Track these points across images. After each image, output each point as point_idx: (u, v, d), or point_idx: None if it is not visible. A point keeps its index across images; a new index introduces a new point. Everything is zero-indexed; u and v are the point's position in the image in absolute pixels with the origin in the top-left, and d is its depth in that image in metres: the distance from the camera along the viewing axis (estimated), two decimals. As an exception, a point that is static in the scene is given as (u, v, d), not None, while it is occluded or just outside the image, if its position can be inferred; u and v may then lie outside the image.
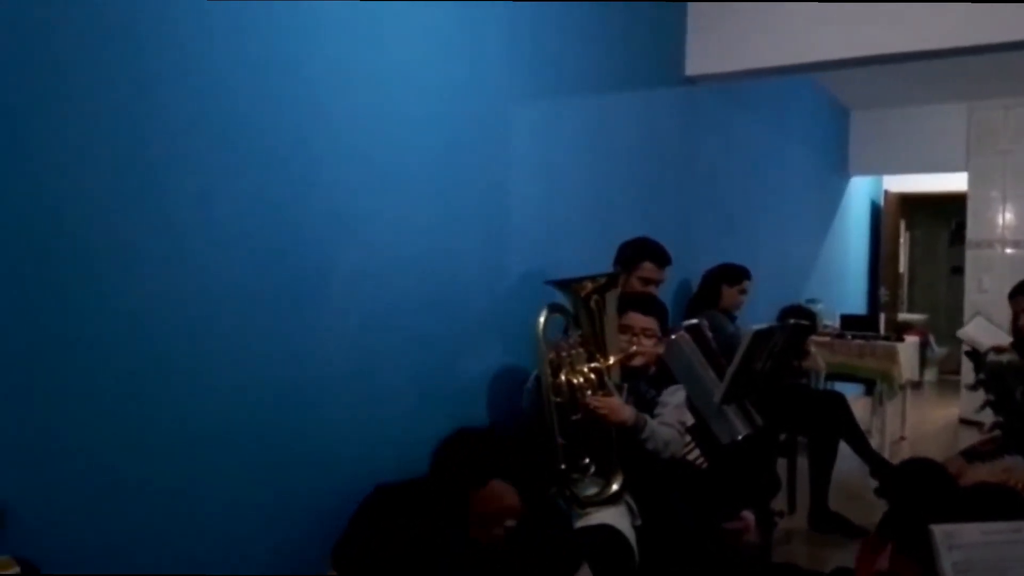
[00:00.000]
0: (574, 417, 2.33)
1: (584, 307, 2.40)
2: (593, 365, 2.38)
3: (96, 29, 1.64)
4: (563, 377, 2.33)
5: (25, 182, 1.54)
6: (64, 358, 1.60)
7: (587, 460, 2.36)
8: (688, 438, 2.72)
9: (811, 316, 4.24)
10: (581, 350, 2.38)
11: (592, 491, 2.34)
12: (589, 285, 2.38)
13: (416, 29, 2.45)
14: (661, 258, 3.20)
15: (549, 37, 3.11)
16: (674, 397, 2.68)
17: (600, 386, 2.37)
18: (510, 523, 1.99)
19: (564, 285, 2.43)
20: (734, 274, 4.09)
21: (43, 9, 1.55)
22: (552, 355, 2.34)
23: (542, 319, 2.29)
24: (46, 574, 1.38)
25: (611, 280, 2.43)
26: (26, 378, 1.54)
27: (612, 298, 2.42)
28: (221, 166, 1.90)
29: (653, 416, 2.61)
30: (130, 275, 1.71)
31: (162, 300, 1.77)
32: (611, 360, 2.41)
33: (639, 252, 3.17)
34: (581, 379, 2.34)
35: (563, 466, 2.28)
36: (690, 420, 2.76)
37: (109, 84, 1.66)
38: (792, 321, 3.21)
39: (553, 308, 2.38)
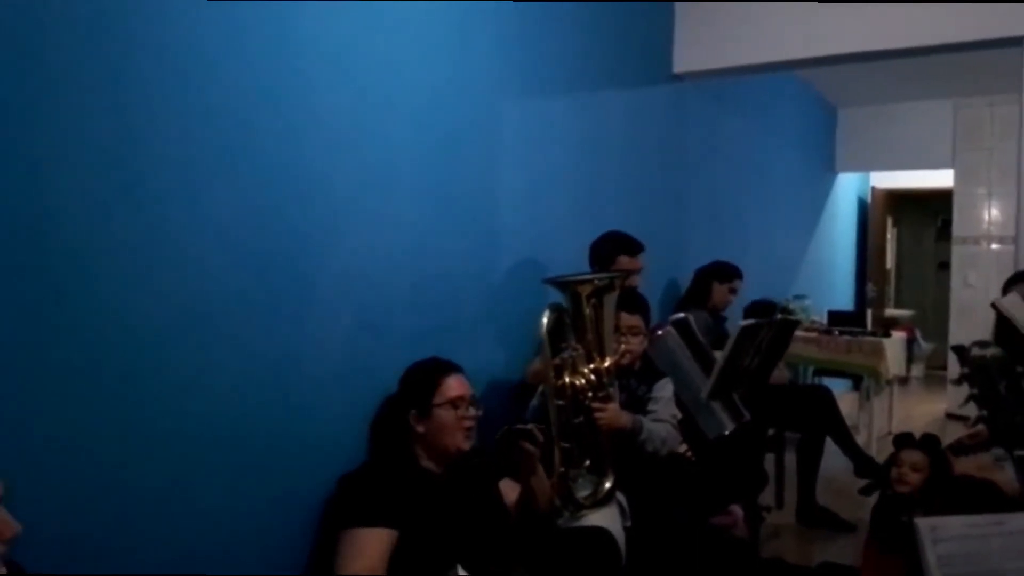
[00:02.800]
0: (577, 420, 2.31)
1: (583, 308, 2.36)
2: (592, 366, 2.36)
3: (89, 28, 1.63)
4: (566, 379, 2.30)
5: (16, 182, 1.53)
6: (54, 358, 1.60)
7: (588, 462, 2.34)
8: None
9: (775, 309, 4.24)
10: (581, 351, 2.35)
11: (586, 491, 2.33)
12: (590, 286, 2.33)
13: (405, 28, 2.45)
14: (633, 248, 3.20)
15: (537, 35, 3.12)
16: (665, 391, 2.70)
17: (599, 387, 2.36)
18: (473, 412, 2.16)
19: (563, 285, 2.39)
20: (726, 272, 4.11)
21: (37, 8, 1.55)
22: (555, 357, 2.30)
23: (545, 320, 2.24)
24: (32, 574, 1.38)
25: (612, 281, 2.39)
26: (16, 378, 1.54)
27: (611, 300, 2.38)
28: (211, 165, 1.89)
29: (646, 412, 2.63)
30: (121, 274, 1.71)
31: (152, 298, 1.77)
32: (608, 361, 2.39)
33: (611, 248, 3.18)
34: (583, 381, 2.31)
35: (563, 469, 2.25)
36: (679, 414, 2.77)
37: (100, 83, 1.66)
38: (780, 316, 3.22)
39: (554, 308, 2.33)
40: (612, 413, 2.39)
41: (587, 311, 2.34)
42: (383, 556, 1.92)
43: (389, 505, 1.97)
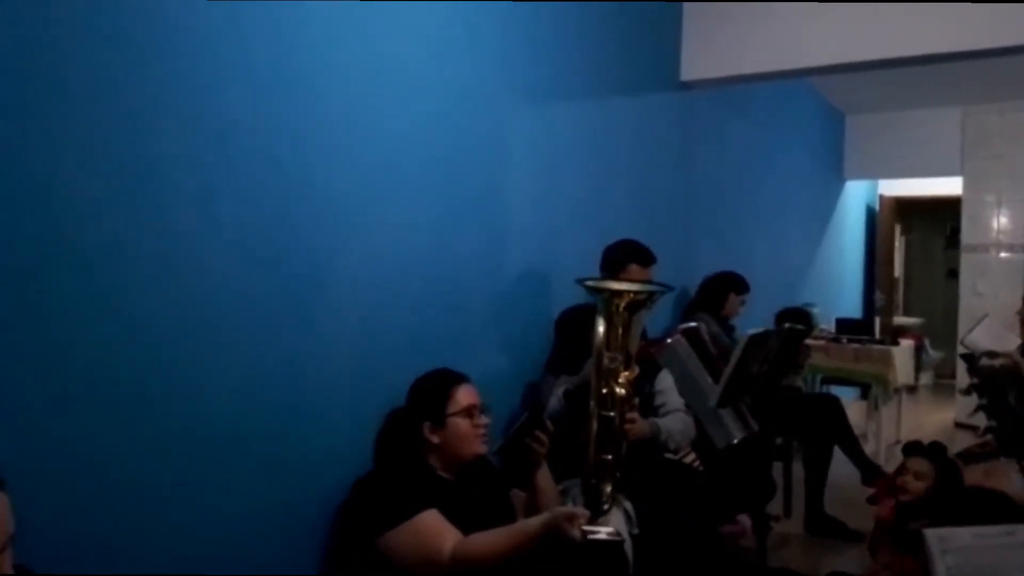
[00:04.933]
0: (618, 431, 2.26)
1: (618, 317, 2.30)
2: (626, 376, 2.31)
3: (94, 30, 1.64)
4: (618, 390, 2.21)
5: (24, 184, 1.54)
6: (61, 358, 1.61)
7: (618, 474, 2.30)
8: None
9: (808, 317, 4.26)
10: (620, 360, 2.31)
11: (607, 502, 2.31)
12: (628, 296, 2.22)
13: (413, 32, 2.46)
14: (645, 259, 3.20)
15: (546, 41, 3.13)
16: (665, 382, 2.73)
17: (629, 398, 2.33)
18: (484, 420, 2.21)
19: (600, 291, 2.26)
20: (742, 284, 4.12)
21: (42, 9, 1.56)
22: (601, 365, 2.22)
23: (602, 329, 2.17)
24: (40, 574, 1.38)
25: (650, 295, 2.28)
26: (23, 378, 1.55)
27: (643, 313, 2.32)
28: (220, 168, 1.90)
29: (655, 407, 2.62)
30: (128, 276, 1.72)
31: (160, 301, 1.78)
32: (632, 372, 2.35)
33: (623, 256, 3.17)
34: (623, 391, 2.24)
35: (594, 480, 2.22)
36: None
37: (107, 85, 1.67)
38: (787, 325, 3.21)
39: (604, 316, 2.24)
40: (640, 423, 2.39)
41: (619, 321, 2.28)
42: (452, 527, 1.97)
43: (423, 495, 2.02)
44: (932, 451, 2.58)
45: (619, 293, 2.20)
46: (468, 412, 2.17)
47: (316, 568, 2.17)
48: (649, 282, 2.86)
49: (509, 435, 2.21)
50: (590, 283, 2.26)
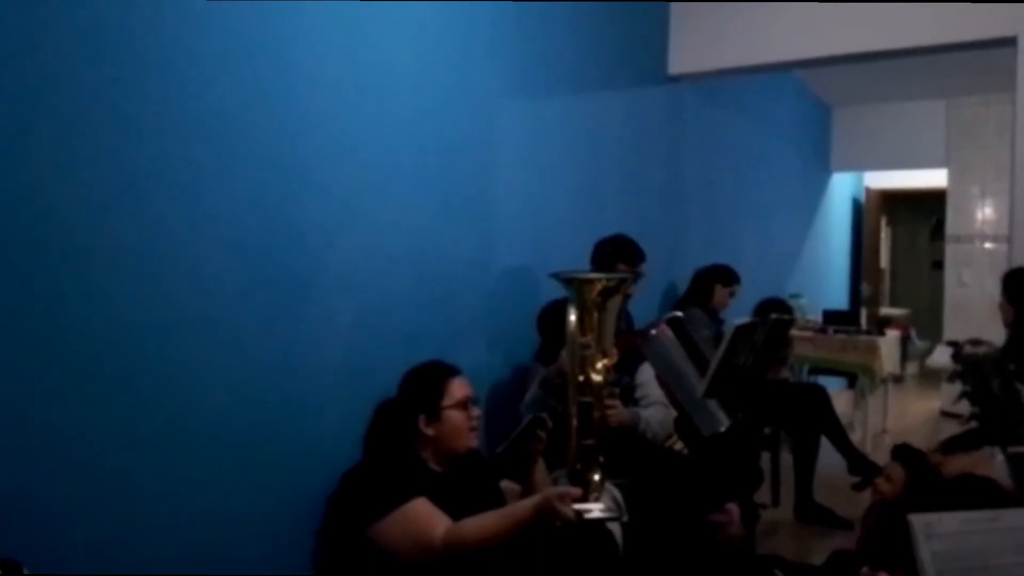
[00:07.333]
0: (597, 415, 2.30)
1: (591, 305, 2.34)
2: (603, 363, 2.34)
3: (88, 28, 1.64)
4: (594, 376, 2.22)
5: (16, 182, 1.54)
6: (52, 357, 1.61)
7: (601, 459, 2.33)
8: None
9: (788, 308, 4.28)
10: (594, 348, 2.34)
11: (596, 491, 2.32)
12: (599, 284, 2.26)
13: (404, 30, 2.46)
14: (633, 257, 3.21)
15: (535, 37, 3.13)
16: (646, 375, 2.77)
17: (607, 385, 2.35)
18: (476, 412, 2.21)
19: (571, 282, 2.39)
20: (728, 275, 4.14)
21: (36, 8, 1.56)
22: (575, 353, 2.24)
23: (573, 317, 2.21)
24: (28, 574, 1.38)
25: (619, 284, 2.37)
26: (14, 376, 1.55)
27: (615, 300, 2.37)
28: (211, 166, 1.90)
29: (635, 399, 2.64)
30: (121, 274, 1.72)
31: (153, 299, 1.78)
32: (611, 359, 2.38)
33: (612, 253, 3.19)
34: (600, 378, 2.31)
35: (579, 466, 2.25)
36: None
37: (101, 83, 1.67)
38: (774, 316, 3.24)
39: (577, 305, 2.30)
40: (620, 410, 2.40)
41: (594, 309, 2.32)
42: (443, 514, 1.97)
43: (412, 485, 2.02)
44: (900, 455, 2.61)
45: (589, 282, 2.23)
46: (463, 405, 2.17)
47: (309, 560, 2.18)
48: (621, 275, 2.89)
49: (513, 438, 2.20)
50: (561, 275, 2.28)
